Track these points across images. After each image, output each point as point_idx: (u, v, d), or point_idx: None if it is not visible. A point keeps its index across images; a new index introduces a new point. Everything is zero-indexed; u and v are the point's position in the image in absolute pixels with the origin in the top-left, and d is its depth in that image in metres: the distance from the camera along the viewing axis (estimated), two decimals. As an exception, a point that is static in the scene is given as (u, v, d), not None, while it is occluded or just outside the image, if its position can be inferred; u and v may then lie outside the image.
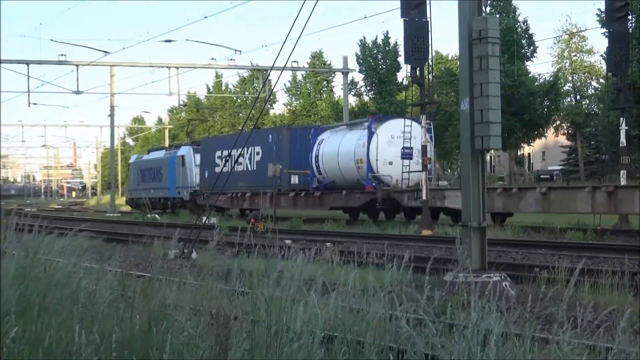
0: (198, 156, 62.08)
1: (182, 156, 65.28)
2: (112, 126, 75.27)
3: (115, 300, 7.47)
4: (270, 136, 53.05)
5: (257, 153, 52.75)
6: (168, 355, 6.07)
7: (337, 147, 45.84)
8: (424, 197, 35.12)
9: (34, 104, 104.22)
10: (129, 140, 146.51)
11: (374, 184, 42.40)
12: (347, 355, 6.55)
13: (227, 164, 48.39)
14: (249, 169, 53.23)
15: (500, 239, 26.73)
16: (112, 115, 73.57)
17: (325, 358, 6.58)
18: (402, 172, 39.19)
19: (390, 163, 42.13)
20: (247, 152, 52.65)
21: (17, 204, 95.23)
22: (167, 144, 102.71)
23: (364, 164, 43.30)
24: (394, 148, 41.38)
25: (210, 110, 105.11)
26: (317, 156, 47.29)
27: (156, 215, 56.83)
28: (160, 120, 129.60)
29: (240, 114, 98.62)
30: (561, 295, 6.78)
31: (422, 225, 34.95)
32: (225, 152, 53.75)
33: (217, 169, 54.19)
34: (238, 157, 49.53)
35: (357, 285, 7.67)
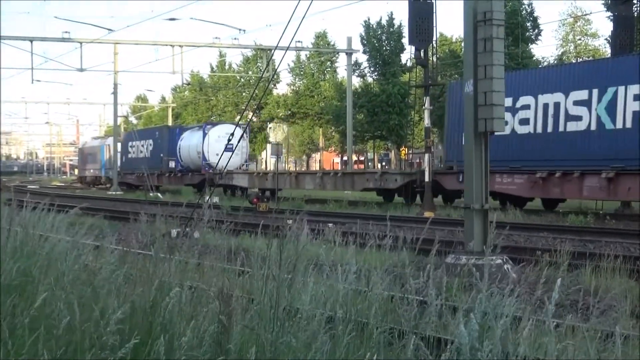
0: (119, 145, 78.36)
1: (108, 145, 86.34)
2: (115, 104, 75.23)
3: (116, 277, 7.47)
4: (157, 133, 74.62)
5: (150, 145, 73.76)
6: (170, 332, 6.07)
7: (188, 143, 66.16)
8: (427, 179, 35.11)
9: (38, 81, 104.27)
10: (132, 119, 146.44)
11: (207, 168, 59.86)
12: (350, 335, 6.54)
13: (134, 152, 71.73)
14: (146, 156, 73.74)
15: (502, 222, 26.71)
16: (115, 93, 73.56)
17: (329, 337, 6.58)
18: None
19: (217, 154, 55.78)
20: (145, 144, 75.00)
21: (19, 180, 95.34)
22: (170, 122, 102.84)
23: (201, 155, 62.53)
24: (220, 144, 58.25)
25: (214, 89, 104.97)
26: (179, 148, 67.62)
27: (158, 194, 57.02)
28: (163, 99, 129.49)
29: (244, 94, 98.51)
30: (562, 279, 6.76)
31: (424, 207, 34.98)
32: (133, 143, 77.49)
33: (129, 155, 77.66)
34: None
35: (359, 266, 7.66)
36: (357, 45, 72.12)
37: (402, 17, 72.62)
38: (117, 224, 25.62)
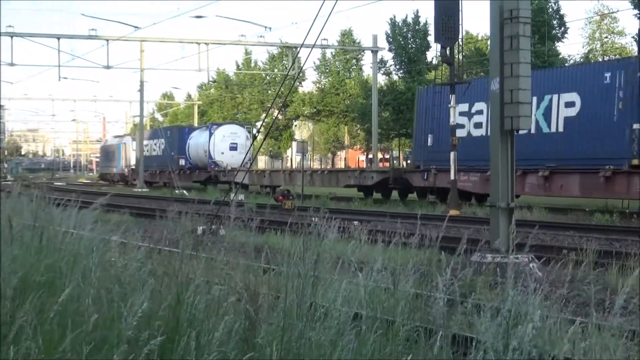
0: (134, 143, 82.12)
1: (124, 143, 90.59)
2: (141, 101, 75.42)
3: (143, 273, 7.51)
4: (168, 132, 78.61)
5: (162, 143, 76.15)
6: (197, 329, 6.10)
7: (196, 142, 70.45)
8: (452, 177, 35.04)
9: (64, 78, 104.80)
10: (158, 116, 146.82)
11: (212, 166, 65.64)
12: (377, 333, 6.55)
13: (148, 150, 74.19)
14: (158, 154, 77.36)
15: (528, 220, 26.66)
16: (141, 91, 73.72)
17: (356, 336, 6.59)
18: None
19: (222, 153, 65.53)
20: (157, 143, 78.64)
21: (46, 177, 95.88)
22: (195, 120, 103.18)
23: (207, 153, 66.94)
24: (225, 143, 66.23)
25: (239, 87, 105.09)
26: (188, 147, 72.17)
27: (184, 192, 57.20)
28: (189, 96, 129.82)
29: (269, 91, 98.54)
30: (589, 277, 6.75)
31: (449, 205, 34.92)
32: (146, 142, 78.93)
33: (144, 154, 75.26)
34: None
35: (386, 264, 7.66)
36: (382, 43, 72.05)
37: (428, 15, 72.60)
38: (143, 220, 25.72)
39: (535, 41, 55.71)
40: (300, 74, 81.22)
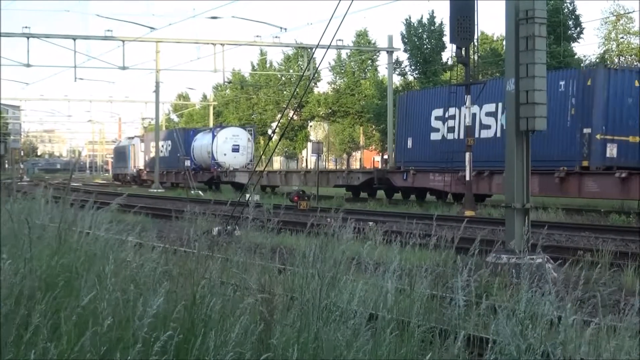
0: (143, 145, 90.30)
1: (133, 144, 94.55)
2: (157, 102, 75.57)
3: (159, 274, 7.52)
4: (174, 134, 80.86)
5: (169, 145, 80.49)
6: (213, 329, 6.12)
7: (200, 144, 72.85)
8: (467, 178, 34.99)
9: (80, 79, 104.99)
10: (174, 117, 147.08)
11: (215, 166, 67.85)
12: (392, 334, 6.56)
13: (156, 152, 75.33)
14: (165, 155, 79.27)
15: (543, 221, 26.59)
16: (157, 92, 73.87)
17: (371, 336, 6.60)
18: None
19: (225, 154, 68.16)
20: (164, 144, 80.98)
21: (62, 178, 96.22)
22: (211, 121, 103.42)
23: (210, 154, 69.14)
24: (227, 145, 68.77)
25: (255, 88, 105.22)
26: (192, 149, 74.37)
27: (199, 192, 57.31)
28: (204, 97, 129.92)
29: (285, 92, 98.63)
30: (604, 278, 6.74)
31: (465, 206, 34.88)
32: (154, 143, 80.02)
33: (152, 155, 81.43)
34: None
35: (401, 265, 7.67)
36: (398, 43, 72.01)
37: (443, 16, 72.61)
38: (159, 221, 25.78)
39: (551, 42, 55.63)
40: (316, 75, 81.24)
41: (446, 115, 42.11)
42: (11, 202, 9.21)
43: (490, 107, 39.95)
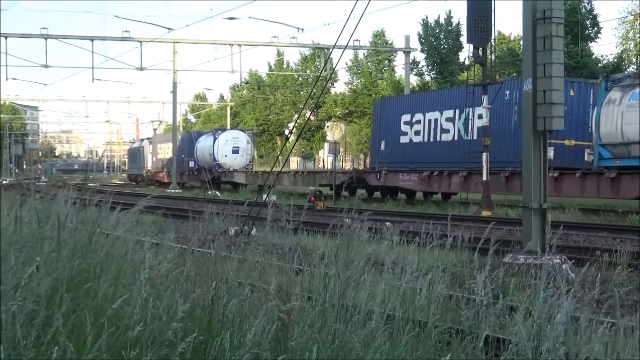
0: (151, 146, 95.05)
1: (143, 146, 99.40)
2: (174, 103, 75.78)
3: (176, 274, 7.54)
4: (179, 136, 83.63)
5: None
6: (230, 330, 6.14)
7: (203, 145, 75.27)
8: (485, 178, 34.94)
9: (98, 80, 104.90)
10: (191, 117, 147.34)
11: (216, 167, 70.80)
12: (409, 335, 6.56)
13: (162, 153, 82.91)
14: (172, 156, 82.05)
15: (560, 221, 26.49)
16: (174, 92, 74.05)
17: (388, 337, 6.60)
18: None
19: (225, 156, 71.48)
20: (170, 146, 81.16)
21: (79, 178, 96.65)
22: (228, 121, 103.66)
23: (212, 156, 72.17)
24: (227, 147, 72.11)
25: (272, 88, 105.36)
26: (195, 150, 77.20)
27: (217, 192, 57.44)
28: (222, 98, 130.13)
29: (302, 92, 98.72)
30: (622, 279, 6.74)
31: (481, 206, 34.82)
32: (161, 145, 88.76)
33: (158, 156, 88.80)
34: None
35: (418, 265, 7.67)
36: (414, 43, 72.04)
37: (460, 16, 72.55)
38: (176, 221, 25.83)
39: (568, 41, 55.47)
40: (333, 75, 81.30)
41: (413, 120, 46.75)
42: (33, 202, 9.22)
43: (449, 113, 44.02)
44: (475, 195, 41.64)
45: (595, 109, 35.00)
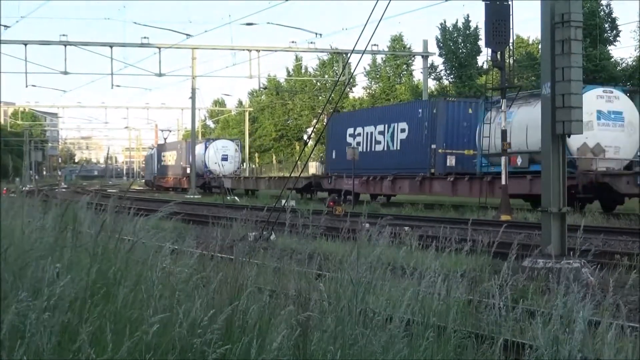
0: (157, 154, 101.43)
1: (152, 154, 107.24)
2: (193, 109, 75.99)
3: (196, 280, 7.56)
4: (179, 145, 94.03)
5: (175, 154, 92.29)
6: (249, 334, 6.16)
7: (196, 153, 78.12)
8: (503, 182, 34.88)
9: (117, 86, 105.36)
10: (210, 123, 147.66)
11: (207, 173, 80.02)
12: (428, 340, 6.57)
13: (165, 160, 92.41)
14: (172, 164, 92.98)
15: (579, 226, 26.39)
16: (193, 98, 74.23)
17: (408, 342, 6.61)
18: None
19: (215, 163, 77.60)
20: (172, 154, 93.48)
21: (99, 184, 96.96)
22: (246, 126, 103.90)
23: (204, 163, 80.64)
24: (217, 155, 77.92)
25: (290, 93, 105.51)
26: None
27: (235, 198, 57.56)
28: (240, 103, 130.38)
29: (320, 97, 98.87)
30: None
31: (500, 210, 34.75)
32: (165, 153, 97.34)
33: (162, 163, 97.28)
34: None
35: (437, 270, 7.68)
36: (433, 48, 72.06)
37: (478, 20, 72.23)
38: (196, 227, 25.86)
39: (587, 44, 55.32)
40: (351, 80, 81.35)
41: (355, 133, 54.32)
42: (55, 208, 9.28)
43: (380, 127, 51.46)
44: (402, 197, 51.35)
45: (478, 125, 41.61)
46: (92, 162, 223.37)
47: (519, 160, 38.05)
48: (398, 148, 49.03)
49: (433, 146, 45.49)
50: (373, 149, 51.67)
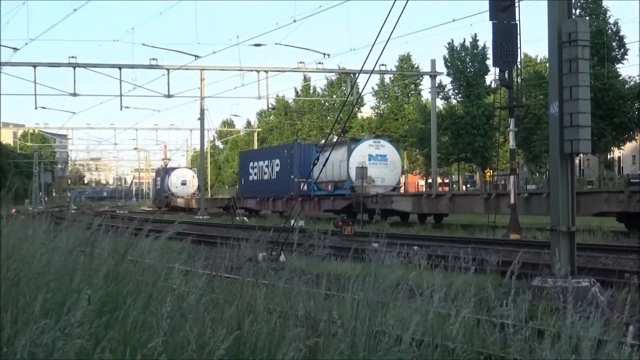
0: (158, 178, 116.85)
1: (154, 178, 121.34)
2: (202, 129, 76.20)
3: (205, 302, 7.57)
4: (162, 171, 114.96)
5: (159, 179, 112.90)
6: (259, 356, 6.17)
7: (162, 179, 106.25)
8: (512, 201, 34.86)
9: (126, 107, 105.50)
10: (219, 144, 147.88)
11: (170, 195, 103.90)
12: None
13: (158, 183, 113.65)
14: (157, 187, 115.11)
15: (589, 244, 26.42)
16: (202, 119, 74.52)
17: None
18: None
19: (176, 187, 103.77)
20: (159, 179, 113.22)
21: (108, 206, 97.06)
22: (255, 147, 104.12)
23: (167, 187, 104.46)
24: (178, 181, 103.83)
25: (299, 114, 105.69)
26: (165, 182, 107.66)
27: (245, 219, 57.66)
28: (249, 124, 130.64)
29: (328, 117, 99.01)
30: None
31: (509, 229, 34.70)
32: (157, 178, 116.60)
33: (157, 187, 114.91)
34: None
35: (445, 290, 7.68)
36: (441, 67, 72.08)
37: (486, 39, 72.27)
38: (205, 247, 25.86)
39: (595, 63, 55.28)
40: (359, 100, 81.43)
41: (254, 165, 72.41)
42: (65, 231, 9.32)
43: (266, 162, 69.02)
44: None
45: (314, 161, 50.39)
46: (102, 184, 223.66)
47: (330, 187, 58.34)
48: (274, 178, 66.64)
49: (292, 176, 61.95)
50: (262, 178, 69.80)
